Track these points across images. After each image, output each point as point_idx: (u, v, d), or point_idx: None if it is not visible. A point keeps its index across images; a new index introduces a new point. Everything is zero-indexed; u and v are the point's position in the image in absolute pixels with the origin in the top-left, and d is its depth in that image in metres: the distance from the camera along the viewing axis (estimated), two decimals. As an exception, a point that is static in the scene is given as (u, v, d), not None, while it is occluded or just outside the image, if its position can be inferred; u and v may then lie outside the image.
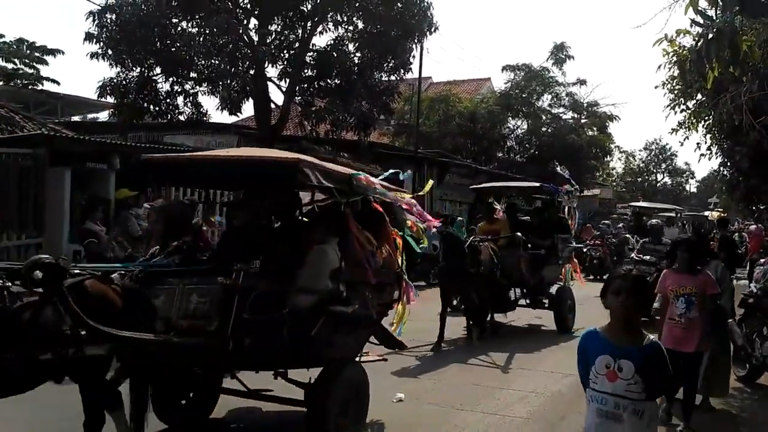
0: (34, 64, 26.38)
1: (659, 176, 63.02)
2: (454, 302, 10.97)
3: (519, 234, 10.55)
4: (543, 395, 7.02)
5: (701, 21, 4.51)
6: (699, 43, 4.43)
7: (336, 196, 5.32)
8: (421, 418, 6.12)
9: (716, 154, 13.42)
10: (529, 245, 11.02)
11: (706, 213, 35.49)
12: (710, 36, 4.20)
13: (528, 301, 11.46)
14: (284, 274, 4.99)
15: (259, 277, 4.88)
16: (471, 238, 10.04)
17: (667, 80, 10.65)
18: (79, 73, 75.29)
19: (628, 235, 17.35)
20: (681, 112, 10.56)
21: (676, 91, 10.60)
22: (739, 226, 31.70)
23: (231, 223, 6.16)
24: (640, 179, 60.42)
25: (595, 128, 32.55)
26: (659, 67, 8.65)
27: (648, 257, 11.51)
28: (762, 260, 11.69)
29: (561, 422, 6.15)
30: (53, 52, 26.57)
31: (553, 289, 11.73)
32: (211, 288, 4.83)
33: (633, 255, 12.47)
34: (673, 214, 23.87)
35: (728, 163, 16.19)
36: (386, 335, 6.24)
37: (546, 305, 11.47)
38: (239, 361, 5.03)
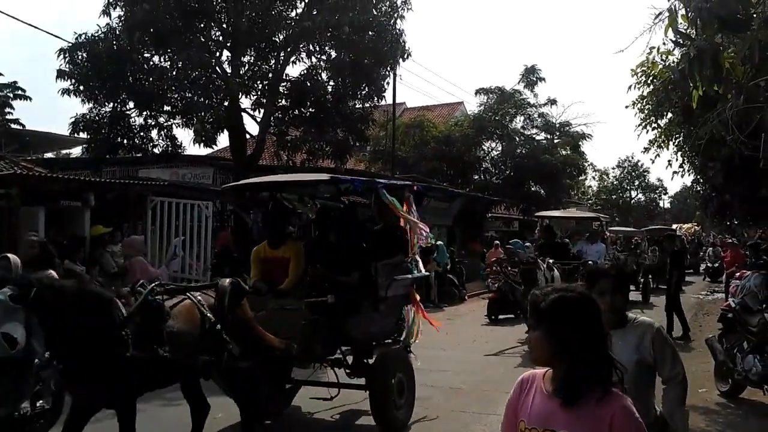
0: (6, 104, 26.33)
1: (633, 193, 63.83)
2: None
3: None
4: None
5: (681, 41, 4.58)
6: (680, 63, 4.51)
7: None
8: (409, 449, 5.99)
9: (689, 171, 13.66)
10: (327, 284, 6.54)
11: (675, 226, 35.70)
12: (692, 55, 4.26)
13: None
14: None
15: None
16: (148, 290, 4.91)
17: (637, 100, 10.88)
18: (45, 110, 74.62)
19: (533, 255, 12.62)
20: (652, 130, 10.78)
21: (646, 111, 10.83)
22: (714, 240, 32.14)
23: None
24: (614, 196, 61.09)
25: (568, 147, 32.93)
26: (630, 87, 8.86)
27: None
28: (738, 274, 11.84)
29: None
30: (24, 95, 26.61)
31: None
32: None
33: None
34: (596, 227, 17.52)
35: (701, 180, 16.43)
36: None
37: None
38: None
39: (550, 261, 12.21)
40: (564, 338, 2.23)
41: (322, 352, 6.47)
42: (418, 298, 7.56)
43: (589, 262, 11.99)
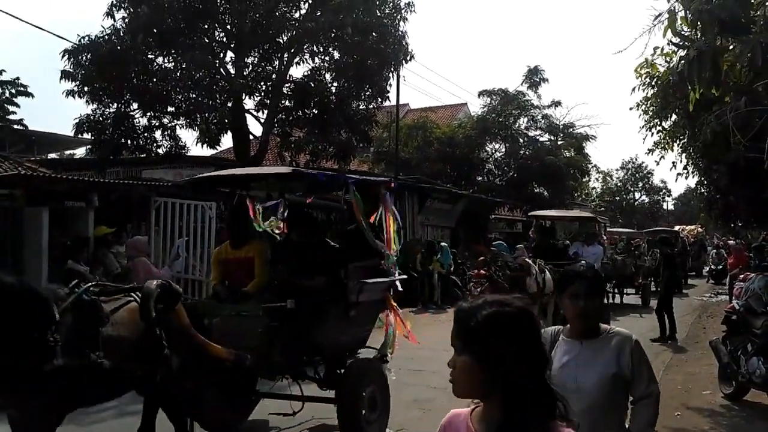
0: (10, 102, 26.38)
1: (636, 195, 63.77)
2: None
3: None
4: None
5: (682, 43, 4.57)
6: (679, 65, 4.49)
7: None
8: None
9: (692, 173, 13.64)
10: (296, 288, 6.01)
11: (678, 228, 35.59)
12: (692, 57, 4.24)
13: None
14: None
15: None
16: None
17: (641, 101, 10.85)
18: (49, 111, 74.84)
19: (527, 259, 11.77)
20: (657, 133, 10.75)
21: (650, 113, 10.80)
22: (718, 242, 32.05)
23: None
24: (618, 198, 61.02)
25: (571, 149, 32.92)
26: (633, 89, 8.85)
27: None
28: (741, 276, 11.82)
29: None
30: (26, 91, 26.64)
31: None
32: None
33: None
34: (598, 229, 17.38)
35: (705, 182, 16.38)
36: None
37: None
38: None
39: (542, 262, 11.64)
40: (499, 365, 1.76)
41: (282, 362, 5.89)
42: (395, 304, 6.87)
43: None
